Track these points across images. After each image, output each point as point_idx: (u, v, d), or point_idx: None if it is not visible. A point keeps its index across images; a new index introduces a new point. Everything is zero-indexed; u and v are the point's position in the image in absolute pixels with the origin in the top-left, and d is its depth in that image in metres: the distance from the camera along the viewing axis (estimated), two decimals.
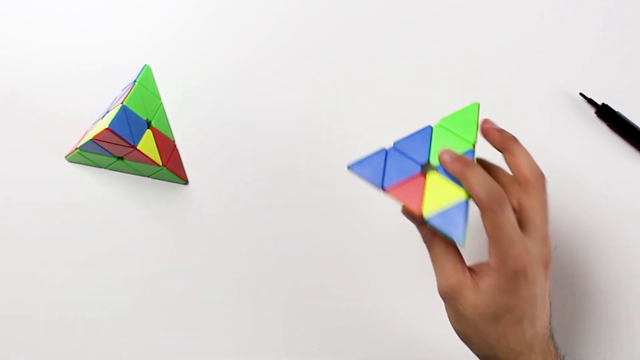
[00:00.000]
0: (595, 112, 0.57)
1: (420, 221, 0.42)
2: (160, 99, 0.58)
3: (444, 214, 0.40)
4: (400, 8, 0.61)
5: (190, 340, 0.55)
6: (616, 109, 0.57)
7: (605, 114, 0.57)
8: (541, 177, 0.42)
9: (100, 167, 0.57)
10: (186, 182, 0.57)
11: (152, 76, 0.58)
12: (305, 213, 0.56)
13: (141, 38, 0.60)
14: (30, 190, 0.57)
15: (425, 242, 0.42)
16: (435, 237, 0.41)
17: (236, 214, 0.56)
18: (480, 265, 0.41)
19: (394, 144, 0.46)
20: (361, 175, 0.44)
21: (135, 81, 0.55)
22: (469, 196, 0.41)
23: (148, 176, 0.57)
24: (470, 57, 0.59)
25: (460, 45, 0.60)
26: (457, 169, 0.40)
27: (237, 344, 0.55)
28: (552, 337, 0.43)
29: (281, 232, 0.56)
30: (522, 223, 0.41)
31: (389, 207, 0.56)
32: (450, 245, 0.41)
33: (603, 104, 0.57)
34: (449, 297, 0.41)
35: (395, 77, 0.59)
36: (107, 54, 0.60)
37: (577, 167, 0.57)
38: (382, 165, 0.44)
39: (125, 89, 0.56)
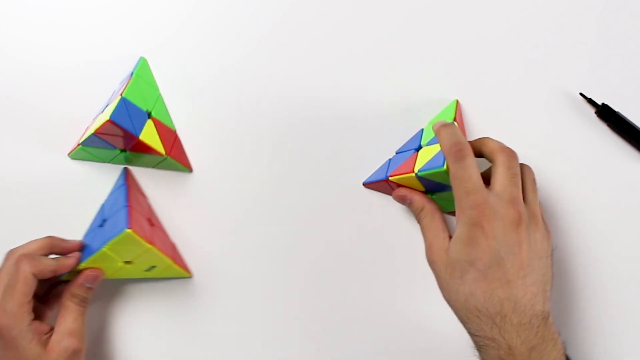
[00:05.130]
0: (595, 112, 0.57)
1: (409, 201, 0.50)
2: (158, 90, 0.58)
3: (428, 162, 0.49)
4: (399, 7, 0.61)
5: (186, 333, 0.55)
6: (616, 109, 0.56)
7: (605, 114, 0.57)
8: (505, 148, 0.47)
9: (104, 162, 0.57)
10: (191, 170, 0.57)
11: (149, 67, 0.58)
12: (307, 202, 0.57)
13: (134, 30, 0.60)
14: (35, 190, 0.57)
15: (416, 216, 0.49)
16: (423, 211, 0.48)
17: (244, 198, 0.57)
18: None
19: (396, 152, 0.55)
20: (373, 180, 0.55)
21: (132, 73, 0.55)
22: None
23: (153, 167, 0.57)
24: (469, 56, 0.59)
25: (460, 45, 0.60)
26: (436, 127, 0.48)
27: (234, 338, 0.55)
28: (545, 318, 0.42)
29: (286, 219, 0.57)
30: (491, 183, 0.45)
31: (389, 204, 0.56)
32: (437, 216, 0.48)
33: (603, 104, 0.57)
34: (431, 261, 0.45)
35: (394, 76, 0.59)
36: (102, 50, 0.60)
37: (577, 167, 0.56)
38: (387, 166, 0.55)
39: (123, 82, 0.56)
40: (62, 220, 0.56)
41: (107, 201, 0.55)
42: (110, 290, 0.55)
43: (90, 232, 0.53)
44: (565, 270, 0.54)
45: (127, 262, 0.50)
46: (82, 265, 0.49)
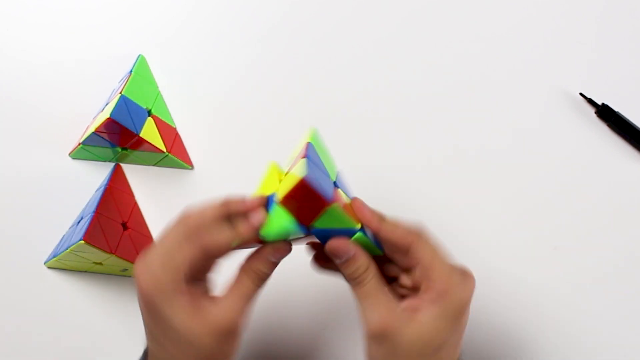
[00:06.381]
0: (595, 112, 0.57)
1: (352, 256, 0.39)
2: (157, 87, 0.58)
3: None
4: (401, 7, 0.61)
5: None
6: (616, 109, 0.57)
7: (605, 114, 0.57)
8: (419, 229, 0.39)
9: (105, 161, 0.57)
10: (191, 166, 0.57)
11: (147, 65, 0.58)
12: None
13: (134, 29, 0.60)
14: (37, 190, 0.57)
15: (354, 278, 0.39)
16: (368, 271, 0.39)
17: (245, 194, 0.57)
18: (413, 298, 0.38)
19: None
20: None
21: (131, 71, 0.56)
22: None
23: (154, 164, 0.57)
24: (470, 57, 0.59)
25: (460, 45, 0.60)
26: (373, 226, 0.39)
27: None
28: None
29: None
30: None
31: (391, 203, 0.56)
32: (382, 281, 0.39)
33: (603, 104, 0.57)
34: (385, 334, 0.37)
35: (393, 75, 0.59)
36: (102, 49, 0.60)
37: (577, 167, 0.56)
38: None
39: (122, 80, 0.56)
40: (63, 219, 0.56)
41: (91, 198, 0.56)
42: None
43: (73, 225, 0.54)
44: (565, 270, 0.54)
45: (97, 263, 0.51)
46: (54, 260, 0.50)
